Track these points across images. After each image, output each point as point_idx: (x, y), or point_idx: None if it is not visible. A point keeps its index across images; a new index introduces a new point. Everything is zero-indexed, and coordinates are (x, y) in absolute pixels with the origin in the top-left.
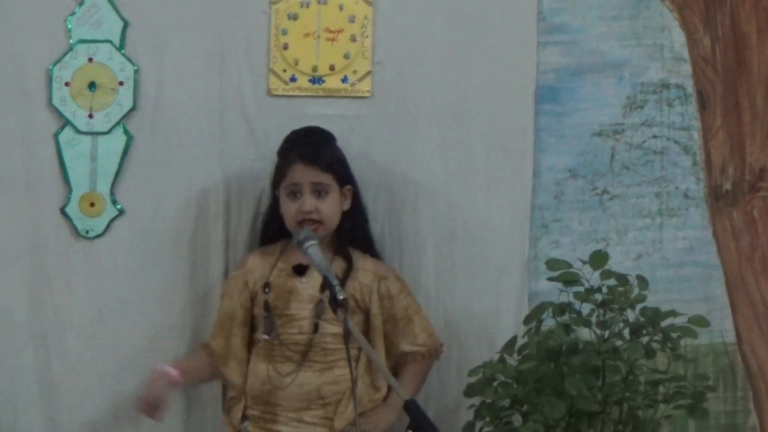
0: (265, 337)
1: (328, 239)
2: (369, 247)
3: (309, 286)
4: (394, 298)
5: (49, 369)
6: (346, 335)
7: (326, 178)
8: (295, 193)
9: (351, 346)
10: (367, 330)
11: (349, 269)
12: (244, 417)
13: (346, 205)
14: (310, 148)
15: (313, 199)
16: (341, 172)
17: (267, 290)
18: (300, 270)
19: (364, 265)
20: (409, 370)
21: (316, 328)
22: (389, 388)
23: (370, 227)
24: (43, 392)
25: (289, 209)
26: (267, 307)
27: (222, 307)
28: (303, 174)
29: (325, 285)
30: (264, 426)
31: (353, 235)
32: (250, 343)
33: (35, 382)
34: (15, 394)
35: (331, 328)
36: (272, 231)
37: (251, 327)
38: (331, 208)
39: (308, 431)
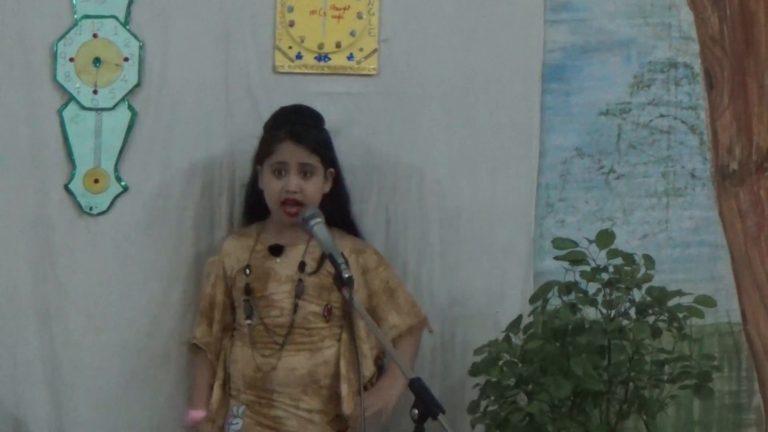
0: (249, 322)
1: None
2: (351, 230)
3: (286, 266)
4: (372, 271)
5: (52, 345)
6: (351, 311)
7: (314, 160)
8: (280, 171)
9: (333, 325)
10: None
11: None
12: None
13: (327, 188)
14: (302, 128)
15: (298, 180)
16: (327, 154)
17: (248, 272)
18: (276, 250)
19: (342, 242)
20: (398, 344)
21: (295, 309)
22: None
23: (351, 209)
24: (47, 369)
25: (272, 187)
26: (248, 290)
27: (202, 294)
28: (292, 153)
29: (303, 264)
30: (260, 411)
31: (334, 216)
32: (228, 328)
33: (38, 358)
34: (18, 371)
35: (311, 307)
36: (254, 207)
37: (231, 311)
38: (315, 190)
39: (308, 417)
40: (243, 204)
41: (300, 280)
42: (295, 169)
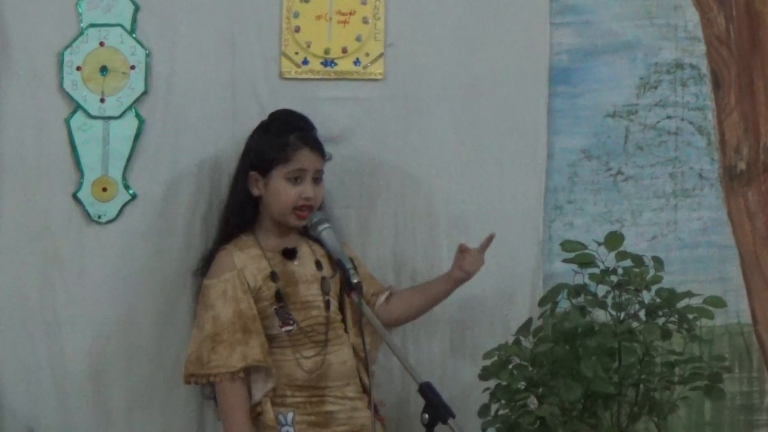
0: (288, 329)
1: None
2: None
3: (305, 267)
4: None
5: (61, 354)
6: (361, 316)
7: (323, 166)
8: (296, 179)
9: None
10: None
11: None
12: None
13: None
14: (313, 134)
15: (313, 186)
16: None
17: (275, 279)
18: (290, 254)
19: None
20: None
21: (327, 305)
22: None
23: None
24: (56, 377)
25: (287, 194)
26: (279, 296)
27: (225, 316)
28: (311, 161)
29: (320, 262)
30: (312, 411)
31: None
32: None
33: (47, 367)
34: (27, 379)
35: (335, 302)
36: (244, 216)
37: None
38: (322, 195)
39: (352, 405)
40: (232, 213)
41: (323, 278)
42: (311, 176)
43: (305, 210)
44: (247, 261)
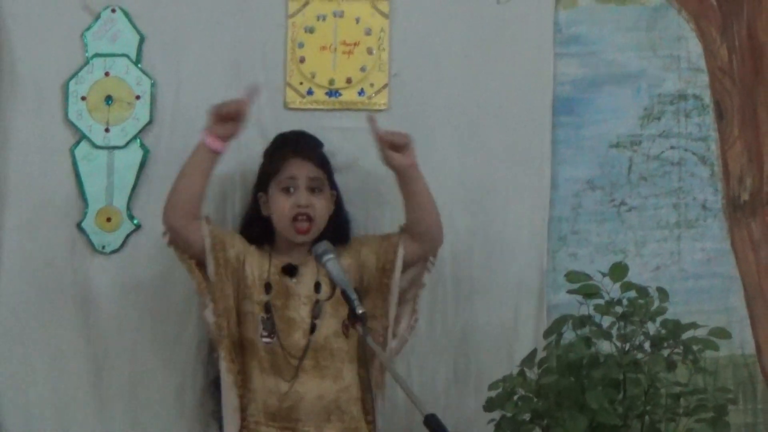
0: (267, 341)
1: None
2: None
3: (302, 286)
4: (361, 249)
5: (64, 385)
6: (365, 347)
7: (321, 174)
8: (289, 189)
9: (351, 346)
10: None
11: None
12: None
13: (331, 209)
14: (305, 144)
15: (308, 194)
16: (330, 173)
17: (268, 291)
18: (290, 271)
19: (339, 251)
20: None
21: (312, 329)
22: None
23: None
24: (58, 408)
25: (282, 205)
26: (267, 308)
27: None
28: (299, 168)
29: (319, 284)
30: None
31: (338, 238)
32: (243, 345)
33: (50, 398)
34: (30, 411)
35: (330, 326)
36: (256, 235)
37: (238, 322)
38: (324, 206)
39: None
40: (243, 229)
41: (317, 301)
42: (304, 184)
43: (303, 221)
44: (256, 256)
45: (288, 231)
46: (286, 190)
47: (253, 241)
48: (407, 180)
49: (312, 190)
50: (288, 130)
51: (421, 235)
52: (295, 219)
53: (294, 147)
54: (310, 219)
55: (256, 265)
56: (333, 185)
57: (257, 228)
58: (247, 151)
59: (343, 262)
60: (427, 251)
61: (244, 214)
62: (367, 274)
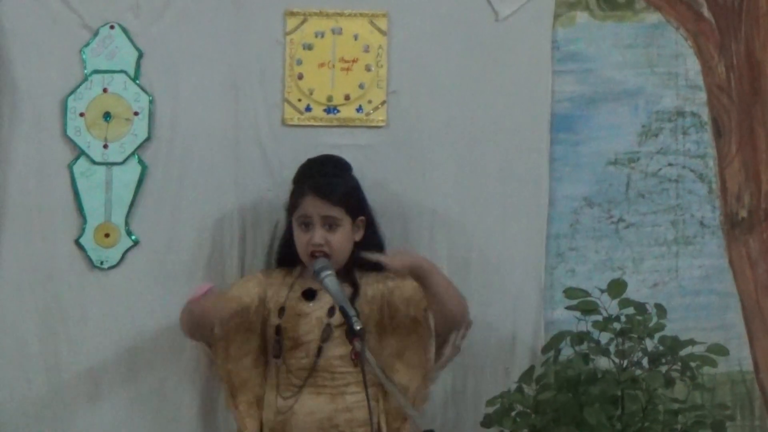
0: (276, 361)
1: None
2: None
3: (318, 309)
4: (393, 290)
5: (62, 400)
6: (362, 364)
7: (337, 212)
8: (306, 225)
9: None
10: (411, 331)
11: (355, 293)
12: None
13: (359, 236)
14: (323, 180)
15: (323, 232)
16: (354, 204)
17: (281, 315)
18: (309, 295)
19: (366, 280)
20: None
21: (319, 352)
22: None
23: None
24: (56, 424)
25: (300, 240)
26: (278, 330)
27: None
28: (314, 207)
29: (333, 309)
30: None
31: (368, 263)
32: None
33: (48, 413)
34: (28, 426)
35: (337, 350)
36: (288, 255)
37: (263, 348)
38: (341, 241)
39: None
40: (276, 252)
41: (328, 325)
42: (319, 222)
43: (320, 256)
44: (278, 287)
45: (306, 261)
46: (304, 226)
47: (288, 262)
48: (418, 277)
49: (329, 226)
50: (286, 149)
51: (445, 318)
52: (312, 254)
53: (311, 183)
54: (326, 255)
55: (275, 291)
56: (362, 210)
57: (290, 249)
58: (245, 167)
59: (374, 287)
60: (452, 328)
61: (282, 235)
62: (395, 314)
